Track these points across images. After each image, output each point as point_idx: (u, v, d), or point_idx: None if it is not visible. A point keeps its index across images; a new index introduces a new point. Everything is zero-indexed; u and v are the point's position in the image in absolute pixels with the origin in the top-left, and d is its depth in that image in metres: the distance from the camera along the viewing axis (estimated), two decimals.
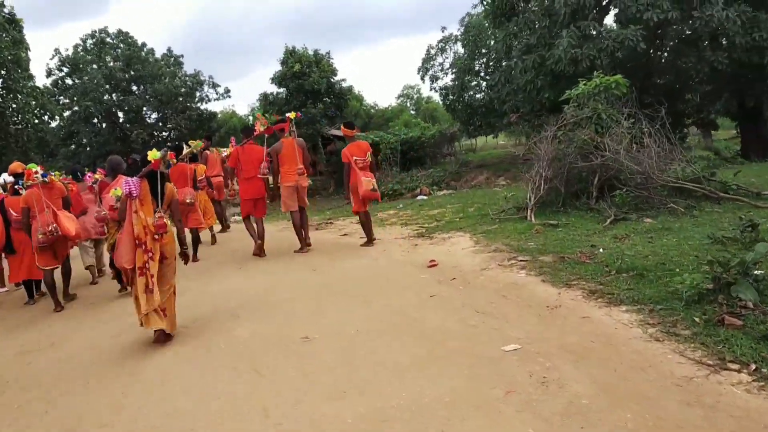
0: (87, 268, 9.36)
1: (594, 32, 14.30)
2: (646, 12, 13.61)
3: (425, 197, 15.82)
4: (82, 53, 38.66)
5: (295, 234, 9.37)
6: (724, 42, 14.49)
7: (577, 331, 4.56)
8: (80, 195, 9.32)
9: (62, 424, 4.10)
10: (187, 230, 9.25)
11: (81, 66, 37.77)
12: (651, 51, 15.18)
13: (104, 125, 38.87)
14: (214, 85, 40.63)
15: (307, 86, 28.71)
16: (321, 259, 8.35)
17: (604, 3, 15.83)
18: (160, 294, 5.47)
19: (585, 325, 4.68)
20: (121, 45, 39.51)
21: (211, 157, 11.94)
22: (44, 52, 57.82)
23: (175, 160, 8.91)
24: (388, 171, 19.88)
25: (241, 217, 10.36)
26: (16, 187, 8.37)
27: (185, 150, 9.60)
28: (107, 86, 37.65)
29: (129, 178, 5.51)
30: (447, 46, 35.21)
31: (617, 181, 8.81)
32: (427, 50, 35.52)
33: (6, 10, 21.59)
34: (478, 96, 33.63)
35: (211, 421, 3.77)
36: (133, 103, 37.65)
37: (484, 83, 33.05)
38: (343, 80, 31.17)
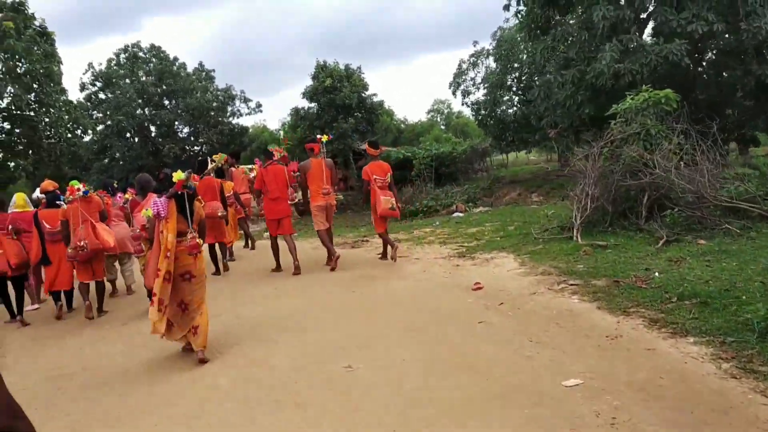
0: (108, 280, 9.45)
1: (635, 46, 13.90)
2: (689, 25, 13.20)
3: (461, 214, 15.49)
4: (115, 68, 39.12)
5: (326, 248, 9.49)
6: None
7: (644, 366, 4.23)
8: (110, 210, 9.42)
9: None
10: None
11: (114, 80, 38.23)
12: (691, 65, 14.71)
13: (137, 139, 39.20)
14: (246, 100, 40.84)
15: (338, 101, 28.60)
16: (360, 280, 8.08)
17: (642, 16, 15.43)
18: (189, 312, 5.60)
19: (651, 358, 4.35)
20: (154, 60, 39.91)
21: (236, 174, 11.91)
22: (78, 66, 58.76)
23: (197, 182, 9.00)
24: (422, 187, 19.53)
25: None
26: (57, 202, 8.55)
27: (210, 165, 10.25)
28: (140, 101, 37.98)
29: (157, 199, 5.58)
30: (479, 61, 34.89)
31: (667, 200, 8.42)
32: (459, 65, 35.29)
33: (37, 23, 21.86)
34: (510, 111, 33.33)
35: None
36: (165, 118, 37.95)
37: (516, 98, 32.75)
38: (374, 95, 31.02)
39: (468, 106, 35.44)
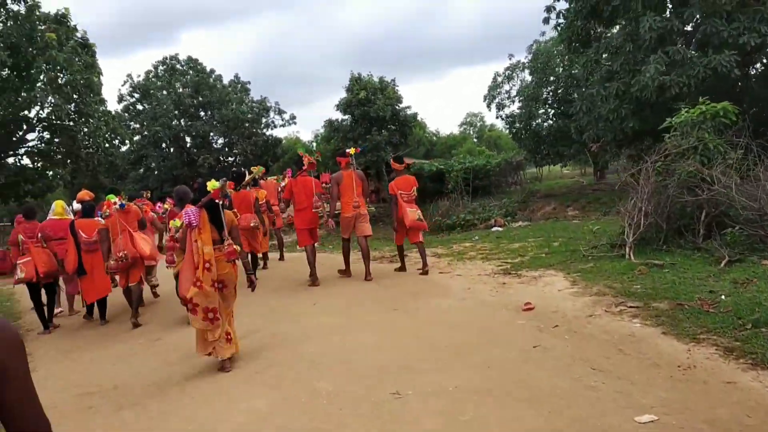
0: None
1: (681, 57, 13.41)
2: (741, 36, 12.69)
3: (501, 229, 15.08)
4: (153, 79, 39.59)
5: (343, 260, 9.81)
6: None
7: (725, 401, 3.83)
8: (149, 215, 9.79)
9: None
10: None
11: (152, 92, 38.67)
12: (740, 77, 14.16)
13: (172, 150, 39.51)
14: (280, 112, 40.88)
15: (372, 113, 28.46)
16: (402, 298, 7.73)
17: (688, 28, 14.93)
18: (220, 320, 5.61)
19: (732, 392, 3.95)
20: (191, 72, 40.28)
21: (267, 185, 11.93)
22: (116, 78, 59.94)
23: (233, 190, 9.60)
24: (459, 200, 19.16)
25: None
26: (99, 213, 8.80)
27: (247, 176, 10.40)
28: (176, 112, 38.34)
29: (189, 209, 5.62)
30: (514, 74, 34.48)
31: (726, 218, 7.94)
32: (494, 77, 34.91)
33: (79, 35, 22.08)
34: (545, 124, 32.88)
35: None
36: (200, 129, 38.19)
37: (552, 111, 32.31)
38: (408, 107, 30.81)
39: (502, 119, 35.11)
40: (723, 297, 5.86)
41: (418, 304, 7.32)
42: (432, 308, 7.03)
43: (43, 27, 20.31)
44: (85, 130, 22.26)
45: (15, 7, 19.70)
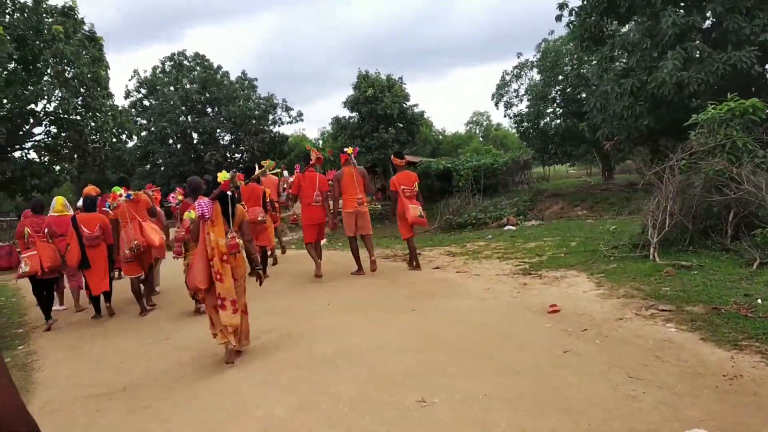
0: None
1: (700, 54, 13.11)
2: (763, 33, 12.41)
3: (513, 228, 14.79)
4: (160, 75, 39.43)
5: (353, 257, 9.80)
6: None
7: None
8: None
9: None
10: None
11: (158, 88, 38.51)
12: (761, 73, 13.86)
13: (179, 146, 39.38)
14: (287, 108, 40.69)
15: (380, 111, 28.20)
16: (419, 298, 7.48)
17: (706, 24, 14.62)
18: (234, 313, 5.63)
19: None
20: (198, 68, 40.09)
21: (267, 182, 11.79)
22: (123, 73, 59.65)
23: (243, 182, 9.66)
24: (469, 199, 18.86)
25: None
26: (104, 208, 8.95)
27: (257, 170, 10.64)
28: (183, 108, 38.18)
29: (202, 201, 5.65)
30: (522, 72, 34.17)
31: (756, 219, 7.67)
32: (502, 76, 34.67)
33: (86, 28, 21.78)
34: (554, 123, 32.62)
35: None
36: (207, 125, 38.02)
37: (560, 110, 32.03)
38: (415, 105, 30.53)
39: (510, 117, 34.86)
40: (759, 301, 5.60)
41: (436, 304, 7.06)
42: (452, 309, 6.76)
43: (50, 20, 20.08)
44: (93, 124, 21.94)
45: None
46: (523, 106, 33.47)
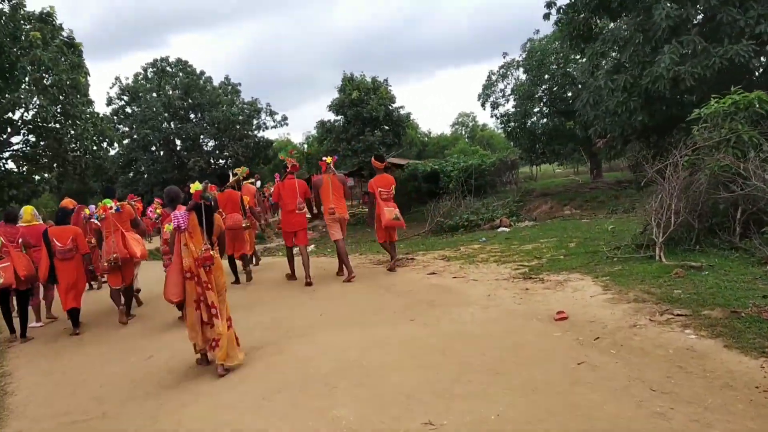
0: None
1: (696, 48, 12.83)
2: (758, 25, 12.17)
3: (507, 229, 14.46)
4: (142, 82, 38.91)
5: (341, 262, 9.86)
6: None
7: None
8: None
9: None
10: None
11: (141, 95, 37.97)
12: (759, 67, 13.65)
13: (162, 153, 38.88)
14: (272, 113, 40.26)
15: (365, 113, 27.87)
16: (416, 306, 7.09)
17: (699, 18, 14.36)
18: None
19: None
20: (180, 74, 39.59)
21: (246, 190, 11.73)
22: (106, 82, 59.03)
23: (215, 192, 9.59)
24: (460, 201, 18.50)
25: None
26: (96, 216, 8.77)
27: (231, 178, 10.69)
28: (166, 114, 37.67)
29: (177, 212, 5.58)
30: (508, 72, 33.94)
31: (765, 215, 7.36)
32: (488, 76, 34.42)
33: (65, 34, 21.26)
34: (541, 122, 32.44)
35: None
36: (190, 131, 37.52)
37: (547, 109, 31.86)
38: (401, 107, 30.20)
39: (497, 118, 34.66)
40: None
41: (436, 313, 6.67)
42: (453, 319, 6.37)
43: (27, 26, 19.54)
44: (72, 132, 21.44)
45: None
46: (509, 106, 33.33)
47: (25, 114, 20.53)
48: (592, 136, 17.78)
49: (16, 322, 8.57)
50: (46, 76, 19.67)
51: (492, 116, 35.85)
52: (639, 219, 12.16)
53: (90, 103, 22.73)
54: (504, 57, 33.20)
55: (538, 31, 30.91)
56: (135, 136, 36.87)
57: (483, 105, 34.37)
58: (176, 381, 5.62)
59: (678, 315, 5.41)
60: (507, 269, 8.80)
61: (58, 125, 20.88)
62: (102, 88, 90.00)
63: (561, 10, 17.67)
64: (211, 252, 5.59)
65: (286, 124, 56.33)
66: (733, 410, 3.61)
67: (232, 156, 38.04)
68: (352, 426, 3.99)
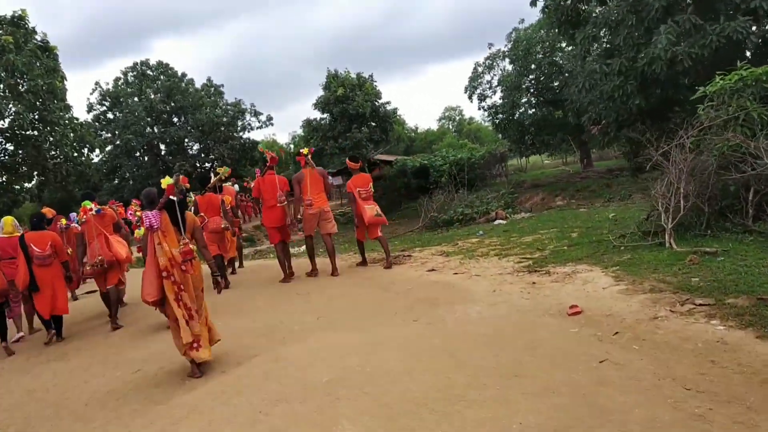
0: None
1: (691, 27, 12.48)
2: (753, 0, 11.86)
3: (503, 221, 14.11)
4: (123, 86, 38.31)
5: (308, 257, 10.11)
6: None
7: None
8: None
9: None
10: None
11: (122, 99, 37.38)
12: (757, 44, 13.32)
13: (146, 158, 38.36)
14: (256, 113, 39.77)
15: (351, 110, 27.55)
16: (418, 306, 6.71)
17: None
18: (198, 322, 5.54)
19: None
20: (162, 77, 39.01)
21: (227, 190, 11.59)
22: (87, 89, 58.21)
23: (188, 185, 9.06)
24: (454, 195, 18.13)
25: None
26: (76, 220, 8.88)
27: (213, 179, 10.57)
28: (148, 119, 37.12)
29: (148, 212, 5.52)
30: (494, 63, 33.57)
31: None
32: (474, 68, 34.02)
33: (38, 38, 20.65)
34: (530, 113, 32.15)
35: None
36: (174, 135, 36.99)
37: (534, 100, 31.60)
38: (387, 103, 29.83)
39: (485, 110, 34.34)
40: None
41: (440, 312, 6.29)
42: (460, 318, 5.99)
43: None
44: (51, 139, 20.85)
45: None
46: (497, 98, 33.02)
47: (1, 122, 19.96)
48: (585, 122, 17.44)
49: None
50: (21, 81, 19.08)
51: (479, 109, 35.57)
52: (640, 206, 11.91)
53: (68, 108, 22.15)
54: (489, 48, 32.87)
55: (523, 21, 30.59)
56: (118, 142, 36.33)
57: (470, 97, 34.04)
58: (166, 396, 5.20)
59: (700, 305, 5.06)
60: (510, 263, 8.43)
61: (36, 132, 20.33)
62: (83, 96, 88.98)
63: None
64: (191, 246, 5.52)
65: (272, 124, 55.84)
66: None
67: (218, 158, 37.57)
68: None
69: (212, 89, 40.22)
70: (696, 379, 3.79)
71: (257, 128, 40.70)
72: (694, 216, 7.55)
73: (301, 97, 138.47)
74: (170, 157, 38.03)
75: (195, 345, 5.50)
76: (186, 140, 38.52)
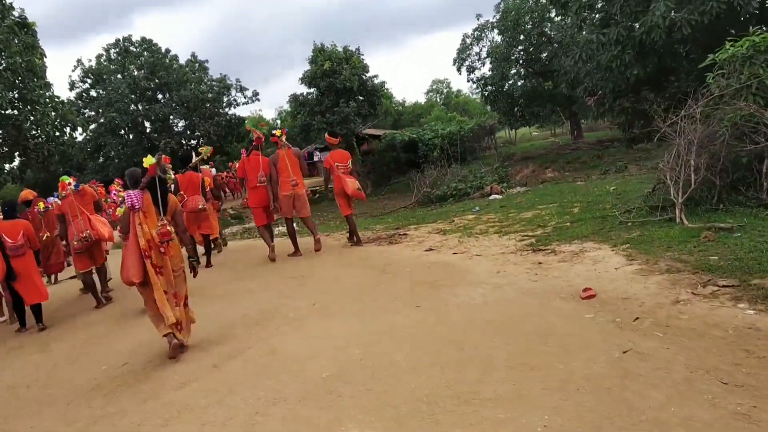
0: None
1: None
2: None
3: (499, 196, 13.76)
4: (105, 63, 37.43)
5: (290, 239, 9.91)
6: None
7: None
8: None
9: None
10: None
11: (105, 77, 36.55)
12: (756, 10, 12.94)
13: (131, 136, 37.66)
14: (242, 89, 39.06)
15: (339, 84, 26.94)
16: (419, 289, 6.36)
17: None
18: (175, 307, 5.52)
19: None
20: (145, 53, 38.14)
21: (205, 172, 11.66)
22: (69, 67, 56.92)
23: (178, 171, 9.66)
24: (446, 169, 17.71)
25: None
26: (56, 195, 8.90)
27: (195, 158, 10.43)
28: (132, 96, 36.36)
29: (130, 191, 5.47)
30: (483, 35, 33.02)
31: None
32: (463, 39, 33.49)
33: (16, 14, 19.91)
34: (519, 84, 31.79)
35: None
36: (159, 112, 36.25)
37: (524, 71, 31.21)
38: (375, 76, 29.25)
39: (474, 82, 33.94)
40: None
41: (443, 296, 5.94)
42: (464, 302, 5.65)
43: None
44: (32, 118, 20.19)
45: None
46: (485, 70, 32.60)
47: None
48: (580, 93, 17.05)
49: None
50: None
51: (468, 81, 35.04)
52: (640, 178, 11.61)
53: (48, 86, 21.47)
54: (478, 19, 32.29)
55: None
56: (102, 120, 35.60)
57: (459, 69, 33.62)
58: (155, 392, 4.85)
59: (724, 286, 4.74)
60: (511, 241, 8.09)
61: (15, 111, 19.67)
62: (65, 74, 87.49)
63: None
64: (168, 228, 5.46)
65: (258, 100, 54.91)
66: None
67: (204, 135, 36.92)
68: None
69: (197, 65, 39.39)
70: (731, 371, 3.48)
71: (243, 104, 39.93)
72: (705, 189, 7.22)
73: (288, 72, 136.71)
74: (155, 135, 37.35)
75: (179, 327, 5.55)
76: (171, 117, 37.79)
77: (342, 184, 9.49)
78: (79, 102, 36.28)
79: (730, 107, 7.05)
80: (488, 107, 38.57)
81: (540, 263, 6.59)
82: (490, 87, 32.34)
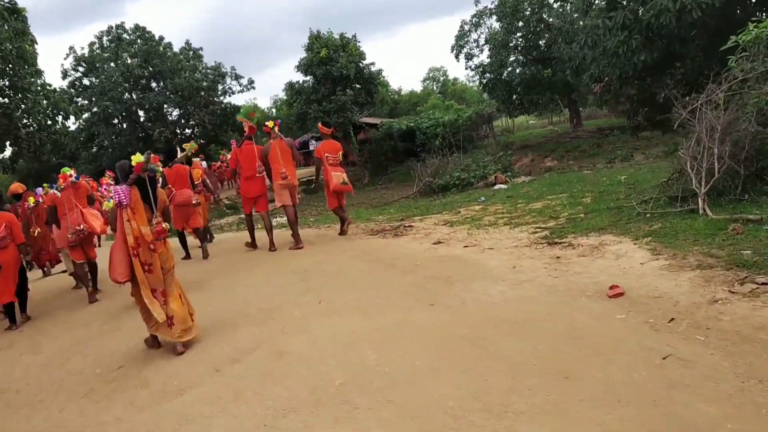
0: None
1: None
2: None
3: (504, 186, 13.43)
4: (98, 51, 36.83)
5: (290, 228, 9.83)
6: None
7: None
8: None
9: None
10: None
11: (98, 65, 35.97)
12: None
13: (125, 125, 37.13)
14: (237, 77, 38.51)
15: (335, 72, 26.57)
16: (433, 286, 6.00)
17: None
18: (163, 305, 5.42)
19: None
20: (138, 41, 37.52)
21: (196, 166, 11.63)
22: (61, 55, 56.18)
23: (167, 165, 9.73)
24: (448, 158, 17.32)
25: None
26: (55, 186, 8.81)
27: (180, 154, 10.40)
28: (126, 84, 35.77)
29: (118, 187, 5.36)
30: (481, 21, 32.53)
31: None
32: (461, 26, 32.99)
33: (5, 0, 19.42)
34: (518, 71, 31.39)
35: None
36: (153, 101, 35.70)
37: (523, 58, 30.80)
38: (372, 64, 28.84)
39: (472, 69, 33.56)
40: None
41: (458, 293, 5.60)
42: (482, 299, 5.30)
43: None
44: (23, 106, 19.76)
45: None
46: (484, 57, 32.14)
47: None
48: (586, 80, 16.67)
49: None
50: None
51: (467, 68, 34.75)
52: (650, 167, 11.29)
53: (39, 73, 21.00)
54: (476, 5, 31.76)
55: None
56: (95, 109, 35.04)
57: (457, 56, 33.12)
58: (153, 400, 4.51)
59: (764, 284, 4.42)
60: (524, 233, 7.76)
61: (6, 99, 19.22)
62: (57, 61, 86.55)
63: None
64: (164, 225, 5.41)
65: (253, 88, 54.46)
66: None
67: (199, 124, 36.42)
68: None
69: (191, 53, 38.79)
70: None
71: (238, 92, 39.60)
72: (728, 179, 6.89)
73: (283, 60, 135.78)
74: (149, 124, 36.81)
75: (169, 323, 5.39)
76: (165, 106, 37.19)
77: (327, 177, 9.60)
78: (72, 90, 35.70)
79: (755, 92, 6.71)
80: (486, 95, 38.11)
81: (558, 258, 6.25)
82: (488, 74, 31.89)
